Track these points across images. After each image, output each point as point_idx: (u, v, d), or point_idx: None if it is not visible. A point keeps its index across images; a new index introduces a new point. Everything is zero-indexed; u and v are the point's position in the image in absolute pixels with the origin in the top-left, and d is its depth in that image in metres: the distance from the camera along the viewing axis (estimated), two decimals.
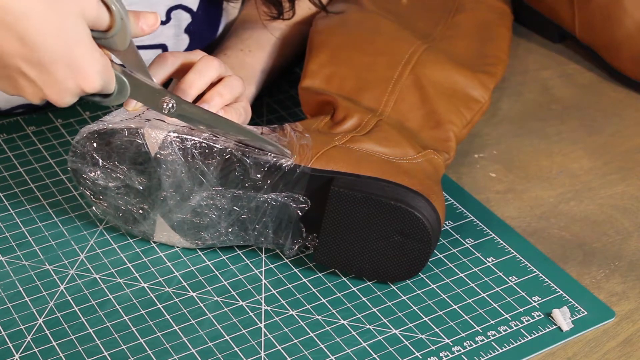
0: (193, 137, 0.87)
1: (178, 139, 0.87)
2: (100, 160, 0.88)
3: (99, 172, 0.89)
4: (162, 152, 0.87)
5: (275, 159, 0.87)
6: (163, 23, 1.05)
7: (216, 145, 0.87)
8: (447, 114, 1.00)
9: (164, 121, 0.88)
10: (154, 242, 0.93)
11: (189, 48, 1.09)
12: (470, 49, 1.09)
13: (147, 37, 1.05)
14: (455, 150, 0.99)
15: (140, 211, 0.91)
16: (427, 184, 0.90)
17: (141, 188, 0.89)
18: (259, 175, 0.87)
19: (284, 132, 0.91)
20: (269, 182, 0.88)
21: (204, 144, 0.87)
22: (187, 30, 1.07)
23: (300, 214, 0.89)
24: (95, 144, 0.88)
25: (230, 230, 0.90)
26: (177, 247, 0.93)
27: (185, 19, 1.07)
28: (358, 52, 1.04)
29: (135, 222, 0.92)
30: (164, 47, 1.07)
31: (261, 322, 0.86)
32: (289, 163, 0.88)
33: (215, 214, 0.89)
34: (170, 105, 0.83)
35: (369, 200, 0.86)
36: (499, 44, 1.13)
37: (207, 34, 1.10)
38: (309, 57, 1.05)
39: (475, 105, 1.03)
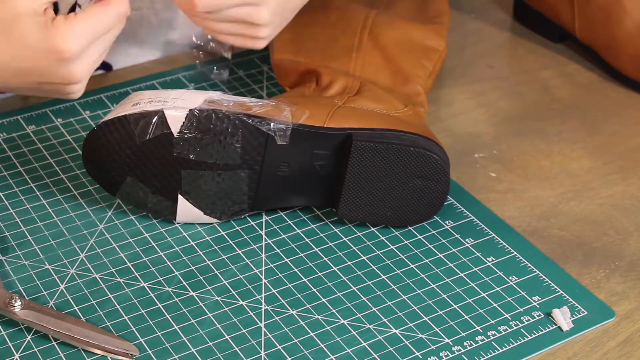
0: (216, 109, 0.89)
1: (197, 112, 0.88)
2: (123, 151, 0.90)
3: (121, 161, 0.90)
4: (184, 130, 0.89)
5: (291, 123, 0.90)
6: None
7: (240, 116, 0.89)
8: (411, 68, 1.05)
9: (182, 99, 0.89)
10: (177, 223, 0.95)
11: None
12: (413, 9, 1.14)
13: None
14: (427, 102, 1.03)
15: (160, 196, 0.92)
16: (426, 130, 0.95)
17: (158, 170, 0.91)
18: (283, 143, 0.90)
19: (280, 108, 0.93)
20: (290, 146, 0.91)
21: (229, 115, 0.89)
22: None
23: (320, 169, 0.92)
24: (114, 134, 0.89)
25: None
26: (202, 223, 0.94)
27: None
28: (316, 27, 1.08)
29: (155, 207, 0.93)
30: None
31: (261, 322, 0.86)
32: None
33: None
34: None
35: (390, 149, 0.90)
36: None
37: None
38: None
39: (434, 54, 1.09)
